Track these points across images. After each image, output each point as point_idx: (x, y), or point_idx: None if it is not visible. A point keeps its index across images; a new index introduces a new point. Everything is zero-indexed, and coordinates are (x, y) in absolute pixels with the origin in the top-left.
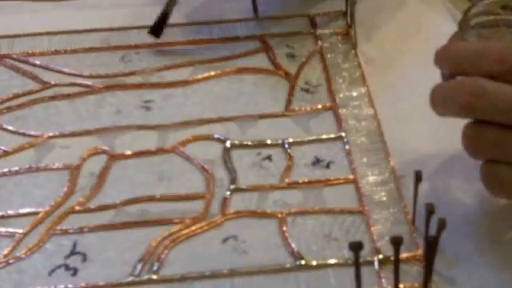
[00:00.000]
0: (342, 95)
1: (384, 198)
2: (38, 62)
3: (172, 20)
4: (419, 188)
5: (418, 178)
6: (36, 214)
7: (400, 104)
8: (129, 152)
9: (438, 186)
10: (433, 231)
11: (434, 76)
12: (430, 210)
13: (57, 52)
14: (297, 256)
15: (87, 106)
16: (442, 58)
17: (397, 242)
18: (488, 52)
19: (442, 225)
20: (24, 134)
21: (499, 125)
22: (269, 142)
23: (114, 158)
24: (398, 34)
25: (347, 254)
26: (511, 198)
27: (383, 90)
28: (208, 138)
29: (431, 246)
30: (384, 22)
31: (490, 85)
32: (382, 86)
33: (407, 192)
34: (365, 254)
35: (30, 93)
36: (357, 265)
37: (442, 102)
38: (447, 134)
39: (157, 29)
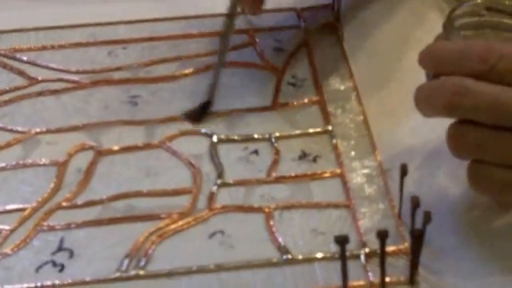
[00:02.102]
0: (328, 89)
1: (371, 192)
2: (25, 58)
3: (159, 15)
4: (405, 181)
5: (404, 171)
6: (23, 210)
7: (387, 97)
8: (116, 147)
9: (424, 180)
10: (418, 224)
11: (422, 69)
12: (416, 204)
13: (44, 48)
14: (283, 250)
15: (74, 102)
16: (426, 58)
17: (382, 236)
18: (470, 51)
19: (427, 218)
20: (11, 130)
21: (482, 125)
22: (256, 136)
23: (100, 153)
24: (385, 27)
25: (334, 247)
26: (496, 197)
27: (370, 83)
28: (195, 132)
29: (417, 239)
30: (371, 15)
31: (472, 84)
32: (369, 79)
33: (394, 185)
34: (351, 247)
35: (17, 89)
36: (343, 258)
37: (425, 101)
38: (433, 128)
39: (197, 116)
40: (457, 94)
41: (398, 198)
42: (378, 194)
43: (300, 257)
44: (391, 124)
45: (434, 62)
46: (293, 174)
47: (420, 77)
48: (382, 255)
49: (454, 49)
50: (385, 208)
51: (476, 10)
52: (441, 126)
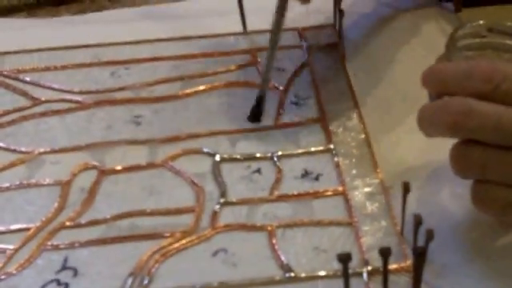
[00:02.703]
0: (330, 108)
1: (373, 210)
2: (28, 79)
3: (161, 34)
4: (408, 199)
5: (406, 189)
6: (27, 229)
7: (388, 115)
8: (119, 167)
9: (427, 197)
10: (421, 242)
11: (423, 87)
12: (418, 222)
13: (47, 68)
14: (286, 268)
15: (77, 122)
16: (429, 78)
17: (385, 254)
18: (474, 72)
19: (429, 236)
20: (15, 151)
21: (486, 144)
22: (258, 155)
23: (104, 173)
24: (386, 46)
25: (336, 265)
26: (499, 217)
27: (372, 101)
28: (198, 152)
29: (419, 257)
30: (373, 34)
31: (476, 104)
32: (370, 98)
33: (396, 203)
34: (354, 265)
35: (20, 109)
36: (345, 276)
37: (429, 121)
38: (435, 146)
39: (255, 115)
40: (460, 113)
41: (400, 215)
42: (380, 212)
43: (303, 275)
44: (392, 142)
45: (438, 82)
46: (295, 193)
47: (422, 96)
48: (385, 273)
49: (457, 69)
50: (387, 226)
51: (478, 31)
52: (442, 142)
